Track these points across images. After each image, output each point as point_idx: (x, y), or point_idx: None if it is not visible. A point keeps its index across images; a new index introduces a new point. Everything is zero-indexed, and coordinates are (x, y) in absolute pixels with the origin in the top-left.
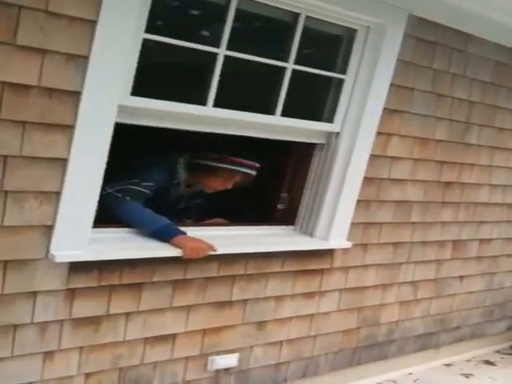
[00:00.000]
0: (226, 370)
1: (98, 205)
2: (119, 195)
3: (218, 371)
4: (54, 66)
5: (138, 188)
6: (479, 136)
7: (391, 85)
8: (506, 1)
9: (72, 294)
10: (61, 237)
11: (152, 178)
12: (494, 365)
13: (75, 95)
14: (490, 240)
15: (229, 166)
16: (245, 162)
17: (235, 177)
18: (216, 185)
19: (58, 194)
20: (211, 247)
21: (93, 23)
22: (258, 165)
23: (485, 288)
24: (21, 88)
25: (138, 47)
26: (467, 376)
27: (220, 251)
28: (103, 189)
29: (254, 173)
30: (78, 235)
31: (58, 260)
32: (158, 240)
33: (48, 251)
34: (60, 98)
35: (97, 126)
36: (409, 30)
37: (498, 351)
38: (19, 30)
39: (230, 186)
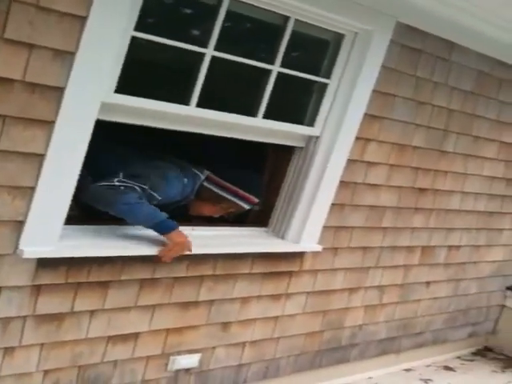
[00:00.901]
0: (187, 370)
1: (90, 194)
2: (122, 188)
3: (178, 371)
4: (40, 61)
5: (147, 192)
6: (456, 144)
7: (373, 91)
8: (490, 11)
9: (38, 290)
10: (31, 232)
11: (166, 193)
12: (454, 370)
13: (58, 91)
14: (458, 247)
15: (236, 201)
16: (247, 196)
17: (230, 208)
18: (205, 210)
19: (32, 189)
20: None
21: (83, 19)
22: (257, 200)
23: (450, 294)
24: (4, 82)
25: (126, 45)
26: (426, 381)
27: (188, 252)
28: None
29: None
30: (48, 231)
31: (26, 256)
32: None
33: (17, 247)
34: (43, 93)
35: (77, 123)
36: (395, 37)
37: (458, 357)
38: (8, 24)
39: (218, 214)
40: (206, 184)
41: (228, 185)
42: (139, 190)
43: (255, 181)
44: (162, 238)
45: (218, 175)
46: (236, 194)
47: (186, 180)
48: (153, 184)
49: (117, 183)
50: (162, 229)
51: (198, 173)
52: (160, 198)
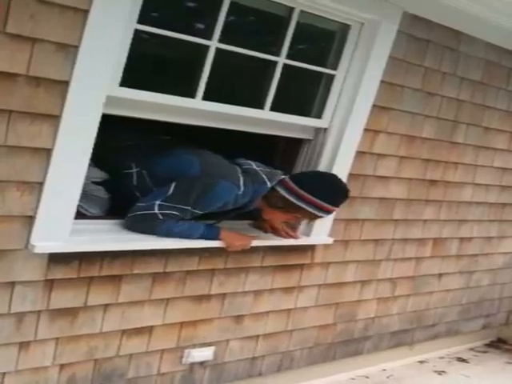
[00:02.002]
0: (201, 363)
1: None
2: (161, 218)
3: (192, 364)
4: (43, 54)
5: (189, 212)
6: (466, 135)
7: (381, 82)
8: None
9: (51, 285)
10: (41, 227)
11: (209, 207)
12: (467, 362)
13: (63, 85)
14: (470, 239)
15: (311, 210)
16: (325, 206)
17: (305, 217)
18: (281, 218)
19: (40, 184)
20: (252, 238)
21: (85, 12)
22: (335, 208)
23: (462, 286)
24: (8, 76)
25: (130, 38)
26: (440, 373)
27: (199, 245)
28: (148, 203)
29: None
30: (59, 226)
31: (37, 251)
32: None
33: (28, 242)
34: (48, 87)
35: (83, 117)
36: (402, 28)
37: (471, 349)
38: (9, 18)
39: (293, 222)
40: (278, 189)
41: (302, 192)
42: (179, 214)
43: (331, 185)
44: None
45: (293, 180)
46: (311, 203)
47: (242, 189)
48: (195, 201)
49: (157, 211)
50: (208, 238)
51: (267, 181)
52: (201, 213)
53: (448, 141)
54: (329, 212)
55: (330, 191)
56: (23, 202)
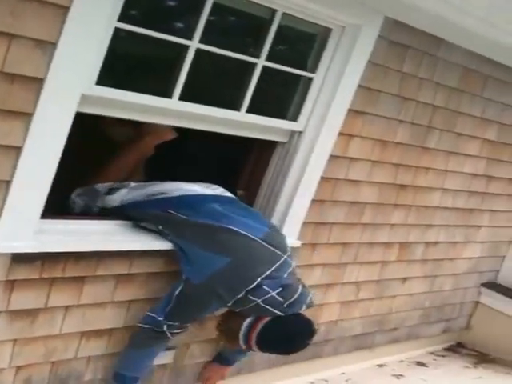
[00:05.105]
0: (161, 365)
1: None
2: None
3: (152, 367)
4: (20, 51)
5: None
6: (439, 140)
7: (359, 86)
8: (477, 7)
9: (11, 285)
10: (6, 227)
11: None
12: (426, 366)
13: (38, 82)
14: (436, 243)
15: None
16: (251, 343)
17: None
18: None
19: (7, 182)
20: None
21: (65, 9)
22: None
23: (425, 290)
24: None
25: (109, 36)
26: (398, 377)
27: (166, 247)
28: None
29: None
30: (24, 226)
31: (0, 251)
32: None
33: None
34: (22, 84)
35: (56, 115)
36: (383, 33)
37: (431, 353)
38: None
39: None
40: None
41: (252, 343)
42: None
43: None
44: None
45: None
46: (248, 341)
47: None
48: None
49: (165, 329)
50: None
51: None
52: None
53: (420, 146)
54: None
55: (276, 350)
56: None
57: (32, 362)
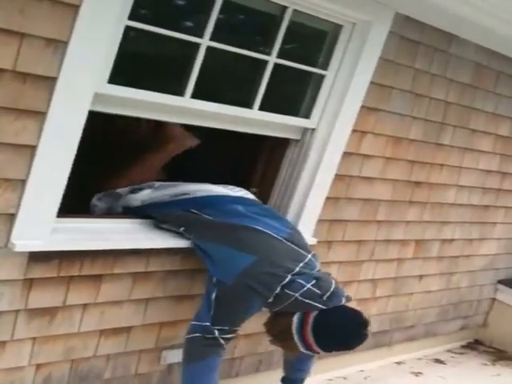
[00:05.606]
0: (180, 363)
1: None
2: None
3: (171, 365)
4: (31, 50)
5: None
6: (452, 137)
7: (371, 83)
8: (489, 2)
9: (30, 284)
10: (23, 225)
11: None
12: (444, 363)
13: (50, 81)
14: (451, 240)
15: (301, 347)
16: (317, 350)
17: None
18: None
19: (23, 181)
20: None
21: (75, 8)
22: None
23: (442, 288)
24: None
25: (120, 34)
26: (416, 374)
27: (182, 245)
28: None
29: None
30: (40, 224)
31: (17, 249)
32: None
33: (8, 240)
34: (35, 83)
35: (70, 114)
36: (394, 29)
37: (449, 350)
38: None
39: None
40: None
41: (310, 341)
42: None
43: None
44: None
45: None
46: (308, 346)
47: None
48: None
49: (216, 334)
50: None
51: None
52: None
53: (434, 142)
54: (314, 352)
55: (337, 344)
56: (5, 199)
57: (52, 360)
